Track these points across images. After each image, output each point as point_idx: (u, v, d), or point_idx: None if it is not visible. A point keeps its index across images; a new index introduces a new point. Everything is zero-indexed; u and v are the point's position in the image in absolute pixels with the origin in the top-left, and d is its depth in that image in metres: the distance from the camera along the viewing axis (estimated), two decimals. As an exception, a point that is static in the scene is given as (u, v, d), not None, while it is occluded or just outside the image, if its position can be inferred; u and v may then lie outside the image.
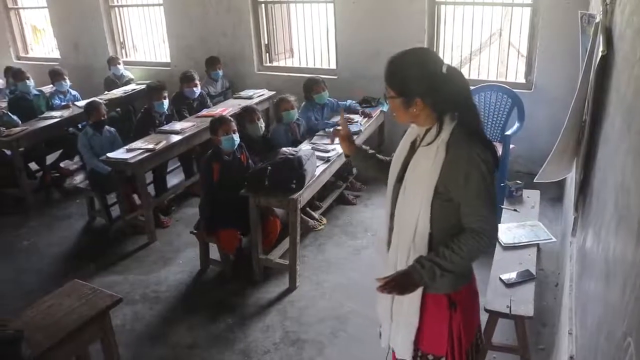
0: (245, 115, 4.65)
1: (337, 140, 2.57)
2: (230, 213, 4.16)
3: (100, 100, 5.79)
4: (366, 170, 2.54)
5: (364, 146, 2.52)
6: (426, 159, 1.98)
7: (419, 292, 2.07)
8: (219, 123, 4.25)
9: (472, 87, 5.71)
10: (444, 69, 1.93)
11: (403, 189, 2.07)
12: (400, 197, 2.08)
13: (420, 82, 1.94)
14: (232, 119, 4.36)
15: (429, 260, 1.97)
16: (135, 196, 5.19)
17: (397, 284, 1.99)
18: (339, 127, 2.48)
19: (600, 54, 2.13)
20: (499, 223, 2.01)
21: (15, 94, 6.52)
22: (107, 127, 5.36)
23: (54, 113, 6.30)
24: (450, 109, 1.97)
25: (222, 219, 4.19)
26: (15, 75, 6.54)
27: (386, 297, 2.20)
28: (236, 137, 4.26)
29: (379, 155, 2.46)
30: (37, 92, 6.61)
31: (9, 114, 6.02)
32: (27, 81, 6.43)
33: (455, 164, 1.92)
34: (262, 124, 4.68)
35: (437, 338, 2.13)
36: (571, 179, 3.64)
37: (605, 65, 2.18)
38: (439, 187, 1.95)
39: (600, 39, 2.27)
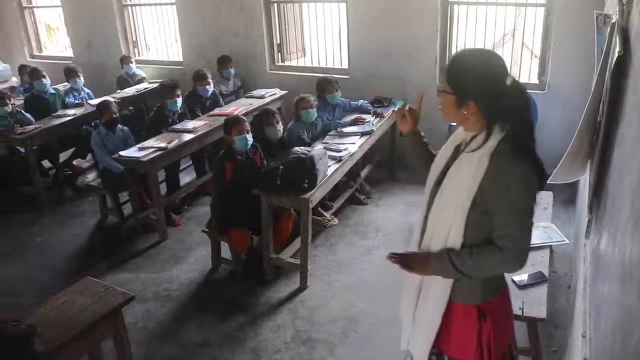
0: (264, 118, 4.64)
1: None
2: (243, 212, 4.17)
3: (111, 99, 5.83)
4: (413, 156, 2.44)
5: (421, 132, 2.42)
6: (468, 166, 1.91)
7: (444, 299, 2.04)
8: (233, 122, 4.25)
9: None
10: (508, 81, 1.86)
11: (440, 193, 2.01)
12: (437, 200, 2.03)
13: (480, 86, 1.86)
14: (245, 119, 4.37)
15: (448, 255, 1.94)
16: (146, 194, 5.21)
17: (409, 261, 2.02)
18: (408, 106, 2.36)
19: (616, 55, 2.11)
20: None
21: (32, 93, 6.55)
22: (120, 125, 5.38)
23: (67, 111, 6.33)
24: (503, 120, 1.88)
25: (234, 219, 4.20)
26: (31, 73, 6.59)
27: (410, 298, 2.19)
28: (249, 137, 4.26)
29: (430, 148, 2.38)
30: (53, 91, 6.65)
31: (23, 112, 6.06)
32: (43, 79, 6.47)
33: (497, 175, 1.84)
34: (280, 127, 4.67)
35: (466, 345, 2.08)
36: (585, 180, 3.61)
37: (622, 66, 2.16)
38: (477, 197, 1.88)
39: (617, 39, 2.25)
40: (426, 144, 2.38)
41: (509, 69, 1.91)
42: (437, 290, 2.06)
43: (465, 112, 1.90)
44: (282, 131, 4.73)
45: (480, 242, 1.93)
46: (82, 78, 6.90)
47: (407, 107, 2.30)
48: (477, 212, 1.89)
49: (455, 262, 1.92)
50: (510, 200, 1.83)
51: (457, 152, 2.04)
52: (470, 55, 1.96)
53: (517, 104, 1.86)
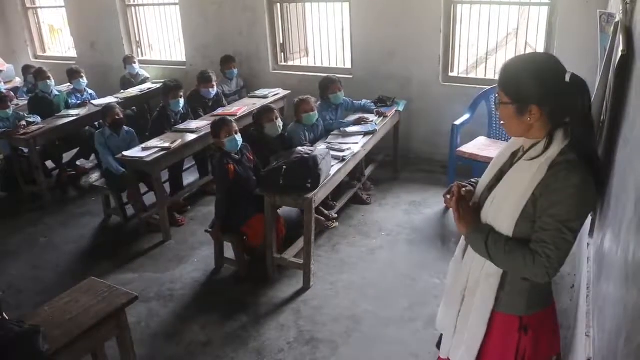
0: (263, 115, 4.64)
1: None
2: (250, 206, 4.20)
3: (115, 103, 5.86)
4: None
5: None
6: (524, 174, 1.83)
7: (488, 306, 1.98)
8: (220, 125, 4.25)
9: (487, 87, 5.70)
10: (567, 77, 1.76)
11: (492, 199, 1.93)
12: (487, 206, 1.95)
13: (538, 87, 1.77)
14: (232, 120, 4.39)
15: (487, 231, 1.89)
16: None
17: (463, 207, 1.96)
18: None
19: (620, 54, 2.11)
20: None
21: (37, 94, 6.56)
22: (125, 127, 5.41)
23: (70, 111, 6.35)
24: (566, 122, 1.80)
25: (244, 213, 4.24)
26: (36, 74, 6.60)
27: (453, 307, 2.13)
28: (239, 138, 4.27)
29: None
30: (57, 93, 6.66)
31: (24, 115, 6.09)
32: (48, 81, 6.49)
33: (551, 183, 1.76)
34: (280, 123, 4.67)
35: (502, 357, 2.02)
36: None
37: (625, 65, 2.16)
38: (528, 206, 1.81)
39: (620, 38, 2.24)
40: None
41: (564, 66, 1.81)
42: (482, 296, 1.99)
43: (529, 119, 1.80)
44: (281, 127, 4.72)
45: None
46: (85, 79, 6.92)
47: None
48: (526, 221, 1.83)
49: (489, 240, 1.86)
50: (556, 207, 1.75)
51: (513, 158, 1.99)
52: (521, 60, 1.89)
53: (580, 99, 1.77)
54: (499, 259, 1.87)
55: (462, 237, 2.10)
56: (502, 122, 1.92)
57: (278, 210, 4.32)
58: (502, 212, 1.88)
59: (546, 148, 1.81)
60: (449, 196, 2.02)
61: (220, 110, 5.93)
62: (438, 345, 2.37)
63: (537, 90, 1.77)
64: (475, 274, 2.01)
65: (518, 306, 1.96)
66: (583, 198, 1.76)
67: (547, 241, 1.76)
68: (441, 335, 2.33)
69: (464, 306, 2.08)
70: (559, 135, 1.81)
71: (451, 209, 2.03)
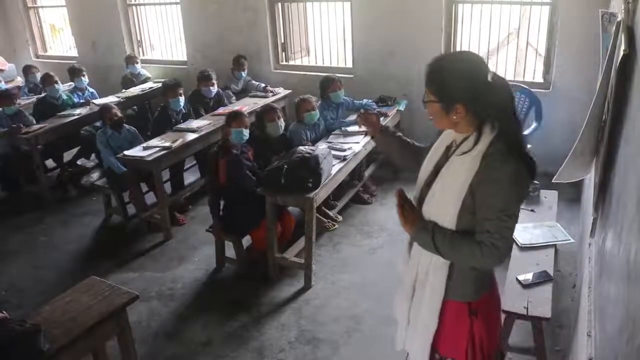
0: (265, 114, 4.63)
1: (361, 126, 2.45)
2: (251, 209, 4.20)
3: (113, 103, 5.86)
4: (390, 153, 2.47)
5: (390, 128, 2.44)
6: (459, 168, 1.90)
7: (438, 297, 2.04)
8: (234, 116, 4.34)
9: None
10: (490, 77, 1.84)
11: (432, 195, 2.00)
12: (428, 201, 2.02)
13: (463, 87, 1.84)
14: (247, 116, 4.41)
15: (432, 228, 1.95)
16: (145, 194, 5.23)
17: (408, 209, 2.04)
18: (368, 112, 2.42)
19: (621, 53, 2.11)
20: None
21: (45, 98, 6.52)
22: (127, 126, 5.40)
23: (72, 111, 6.34)
24: (492, 118, 1.87)
25: (252, 219, 4.25)
26: (43, 80, 6.58)
27: (405, 299, 2.19)
28: (246, 132, 4.32)
29: (404, 137, 2.40)
30: (65, 97, 6.61)
31: (26, 113, 6.10)
32: (56, 85, 6.47)
33: (486, 173, 1.83)
34: (282, 123, 4.66)
35: (457, 343, 2.09)
36: (590, 179, 3.60)
37: (627, 65, 2.16)
38: (467, 198, 1.87)
39: (622, 37, 2.24)
40: (399, 136, 2.41)
41: (488, 65, 1.90)
42: (432, 288, 2.06)
43: (455, 117, 1.88)
44: (283, 127, 4.71)
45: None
46: (86, 77, 6.92)
47: (361, 111, 2.37)
48: (467, 213, 1.90)
49: (436, 237, 1.93)
50: (494, 198, 1.83)
51: (447, 152, 2.04)
52: (445, 59, 1.95)
53: (502, 97, 1.85)
54: (448, 254, 1.95)
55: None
56: (431, 118, 1.99)
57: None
58: (443, 206, 1.95)
59: (476, 142, 1.89)
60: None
61: (221, 110, 5.93)
62: None
63: (461, 90, 1.85)
64: (424, 266, 2.08)
65: (466, 293, 2.04)
66: (518, 185, 1.84)
67: (491, 231, 1.84)
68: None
69: (415, 298, 2.15)
70: (486, 128, 1.88)
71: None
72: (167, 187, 5.38)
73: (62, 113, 6.24)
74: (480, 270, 2.00)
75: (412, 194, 2.15)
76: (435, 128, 2.09)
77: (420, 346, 2.15)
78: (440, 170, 2.00)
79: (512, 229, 1.86)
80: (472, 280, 2.02)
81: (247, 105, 6.07)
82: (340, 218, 5.09)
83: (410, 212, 2.04)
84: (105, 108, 5.42)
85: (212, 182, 4.28)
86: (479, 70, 1.86)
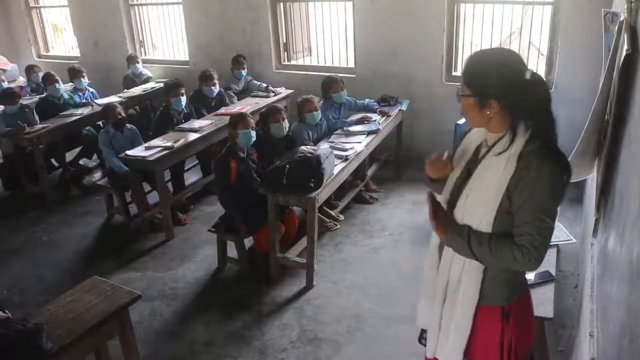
0: (270, 115, 4.63)
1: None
2: (258, 208, 4.20)
3: (116, 103, 5.86)
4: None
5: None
6: (495, 169, 1.87)
7: (472, 302, 2.00)
8: (239, 118, 4.31)
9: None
10: (528, 75, 1.81)
11: (465, 197, 1.97)
12: (461, 204, 1.98)
13: (499, 82, 1.81)
14: (251, 117, 4.41)
15: (468, 232, 1.91)
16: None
17: (440, 214, 1.99)
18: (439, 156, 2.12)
19: (624, 53, 2.10)
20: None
21: (46, 98, 6.54)
22: (128, 125, 5.41)
23: (74, 110, 6.35)
24: (526, 117, 1.84)
25: (257, 221, 4.25)
26: (44, 80, 6.59)
27: (435, 305, 2.14)
28: (253, 134, 4.30)
29: None
30: (67, 96, 6.63)
31: (32, 111, 6.11)
32: (57, 84, 6.47)
33: (524, 174, 1.80)
34: (286, 124, 4.66)
35: (488, 348, 2.05)
36: (592, 179, 3.59)
37: (630, 65, 2.15)
38: (504, 200, 1.84)
39: (625, 37, 2.24)
40: None
41: (526, 64, 1.87)
42: (465, 293, 2.01)
43: (488, 112, 1.85)
44: (287, 128, 4.71)
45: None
46: (86, 78, 6.92)
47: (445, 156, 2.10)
48: (504, 215, 1.86)
49: (472, 241, 1.89)
50: (533, 198, 1.79)
51: (477, 153, 2.00)
52: (484, 54, 1.93)
53: (539, 97, 1.82)
54: (485, 258, 1.91)
55: (433, 235, 2.13)
56: (462, 112, 1.96)
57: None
58: (479, 209, 1.91)
59: (511, 142, 1.85)
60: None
61: (223, 110, 5.94)
62: (420, 340, 2.38)
63: (497, 85, 1.82)
64: (456, 272, 2.03)
65: (499, 297, 2.00)
66: (556, 185, 1.81)
67: (531, 232, 1.81)
68: (422, 330, 2.35)
69: (447, 304, 2.09)
70: (520, 128, 1.85)
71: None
72: (169, 187, 5.39)
73: (64, 113, 6.26)
74: (513, 274, 1.97)
75: (439, 197, 2.12)
76: (469, 127, 2.06)
77: (453, 352, 2.10)
78: (471, 172, 1.97)
79: (551, 230, 1.83)
80: (505, 285, 1.99)
81: (249, 105, 6.07)
82: (342, 217, 5.10)
83: (444, 217, 2.01)
84: (109, 107, 5.43)
85: (225, 183, 4.24)
86: (516, 66, 1.83)
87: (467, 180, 1.98)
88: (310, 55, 7.41)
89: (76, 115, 6.20)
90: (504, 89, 1.81)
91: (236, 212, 4.27)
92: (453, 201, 2.02)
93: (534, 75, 1.82)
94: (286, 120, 4.68)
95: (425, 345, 2.31)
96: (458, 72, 6.04)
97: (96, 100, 6.70)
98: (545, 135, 1.84)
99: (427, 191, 2.07)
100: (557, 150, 1.85)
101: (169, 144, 4.94)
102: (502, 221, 1.87)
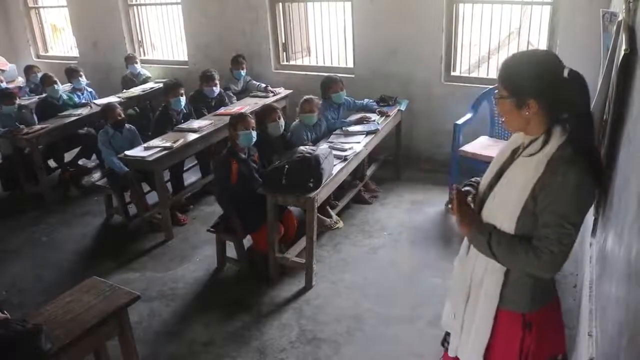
0: (266, 114, 4.63)
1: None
2: (258, 209, 4.19)
3: (116, 103, 5.84)
4: None
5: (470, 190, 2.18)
6: (523, 170, 1.85)
7: (493, 304, 1.98)
8: (239, 118, 4.30)
9: (489, 87, 5.68)
10: (566, 73, 1.76)
11: (492, 197, 1.96)
12: (489, 203, 1.98)
13: (536, 80, 1.78)
14: (251, 117, 4.40)
15: (489, 231, 1.90)
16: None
17: (464, 208, 1.98)
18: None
19: (622, 53, 2.11)
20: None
21: (45, 99, 6.54)
22: (127, 125, 5.40)
23: (72, 111, 6.35)
24: (565, 117, 1.81)
25: (255, 221, 4.24)
26: (43, 81, 6.58)
27: (459, 305, 2.13)
28: (254, 134, 4.30)
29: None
30: (66, 97, 6.61)
31: (30, 111, 6.10)
32: (55, 85, 6.47)
33: (550, 179, 1.76)
34: (282, 123, 4.66)
35: (507, 355, 2.02)
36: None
37: (628, 64, 2.16)
38: (528, 202, 1.81)
39: (623, 37, 2.24)
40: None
41: (563, 63, 1.82)
42: (486, 294, 1.99)
43: (527, 113, 1.81)
44: (283, 127, 4.71)
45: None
46: (84, 78, 6.91)
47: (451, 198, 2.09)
48: (528, 217, 1.83)
49: (492, 240, 1.87)
50: (556, 203, 1.76)
51: (514, 155, 1.99)
52: (519, 55, 1.92)
53: (578, 95, 1.77)
54: (503, 258, 1.88)
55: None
56: (501, 116, 1.94)
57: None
58: (503, 209, 1.89)
59: (544, 144, 1.82)
60: (450, 206, 2.02)
61: (222, 110, 5.94)
62: (443, 343, 2.37)
63: (535, 84, 1.79)
64: (479, 271, 2.01)
65: (521, 303, 1.96)
66: (582, 192, 1.75)
67: (550, 237, 1.77)
68: (446, 333, 2.33)
69: (469, 304, 2.08)
70: (557, 131, 1.82)
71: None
72: (169, 187, 5.38)
73: (63, 113, 6.26)
74: (538, 280, 1.92)
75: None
76: (508, 131, 2.04)
77: (473, 354, 2.09)
78: (504, 173, 1.97)
79: (572, 237, 1.78)
80: (528, 290, 1.95)
81: (248, 105, 6.06)
82: (340, 223, 5.07)
83: (468, 212, 1.99)
84: (109, 107, 5.41)
85: (225, 182, 4.24)
86: (553, 65, 1.80)
87: (498, 181, 1.97)
88: (309, 56, 7.41)
89: (75, 115, 6.20)
90: (542, 87, 1.78)
91: (232, 212, 4.27)
92: (483, 201, 2.01)
93: (573, 72, 1.78)
94: (282, 119, 4.69)
95: (446, 349, 2.31)
96: (457, 72, 6.05)
97: (95, 101, 6.70)
98: (582, 137, 1.79)
99: (453, 185, 2.06)
100: (591, 157, 1.80)
101: (168, 144, 4.93)
102: (526, 223, 1.84)
